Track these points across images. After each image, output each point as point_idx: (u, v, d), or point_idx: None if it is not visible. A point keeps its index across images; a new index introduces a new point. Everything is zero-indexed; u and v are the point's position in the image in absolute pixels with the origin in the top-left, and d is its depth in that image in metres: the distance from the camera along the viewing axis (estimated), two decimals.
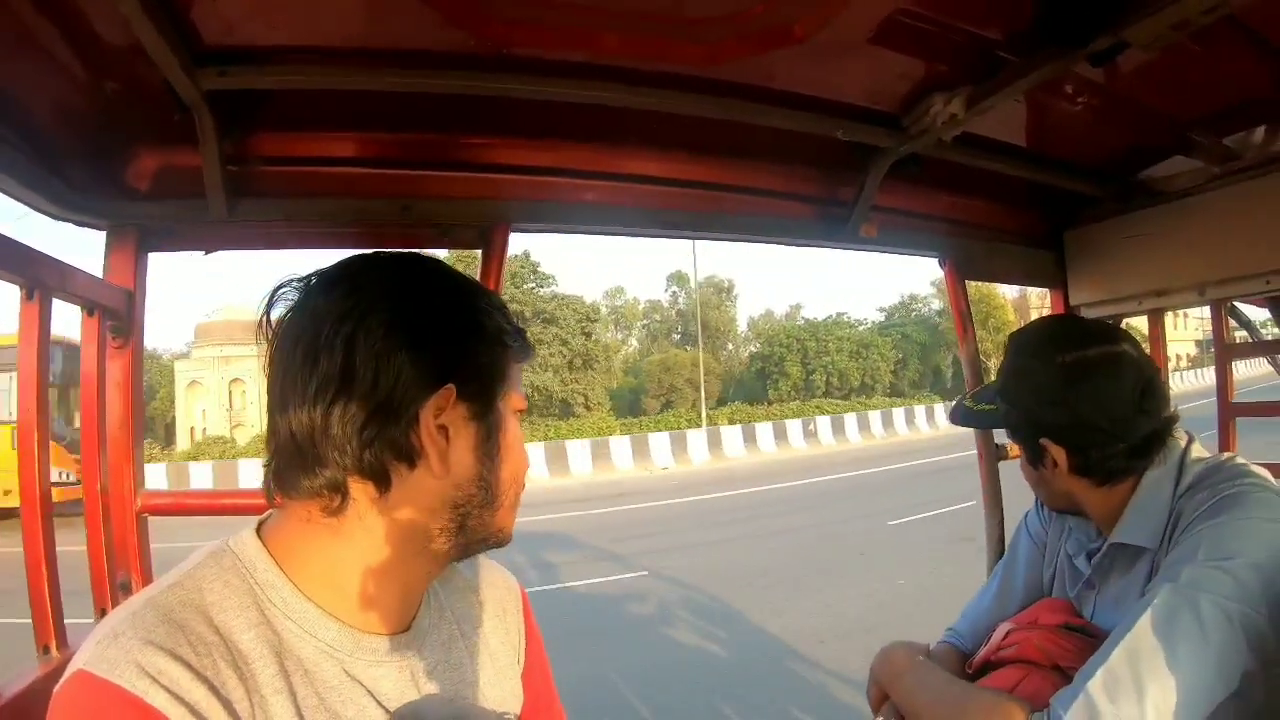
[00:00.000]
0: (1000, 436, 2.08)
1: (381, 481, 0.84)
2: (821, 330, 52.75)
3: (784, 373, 50.10)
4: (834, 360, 50.03)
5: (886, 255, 2.07)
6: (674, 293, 60.40)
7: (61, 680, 0.72)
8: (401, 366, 0.83)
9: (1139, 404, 1.34)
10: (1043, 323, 1.66)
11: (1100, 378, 1.34)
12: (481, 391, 0.88)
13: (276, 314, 0.87)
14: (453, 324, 0.88)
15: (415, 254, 0.94)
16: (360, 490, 0.84)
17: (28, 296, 1.27)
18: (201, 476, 22.85)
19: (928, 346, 54.90)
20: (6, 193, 1.25)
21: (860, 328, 54.92)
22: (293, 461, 0.84)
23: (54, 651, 1.31)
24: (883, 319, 58.64)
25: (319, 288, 0.87)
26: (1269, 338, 2.65)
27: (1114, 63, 1.29)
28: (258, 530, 0.89)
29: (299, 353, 0.83)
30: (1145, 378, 1.36)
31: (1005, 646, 1.43)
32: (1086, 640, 1.34)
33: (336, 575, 0.86)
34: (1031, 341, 1.47)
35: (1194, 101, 1.63)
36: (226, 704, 0.74)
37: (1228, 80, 1.52)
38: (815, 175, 1.86)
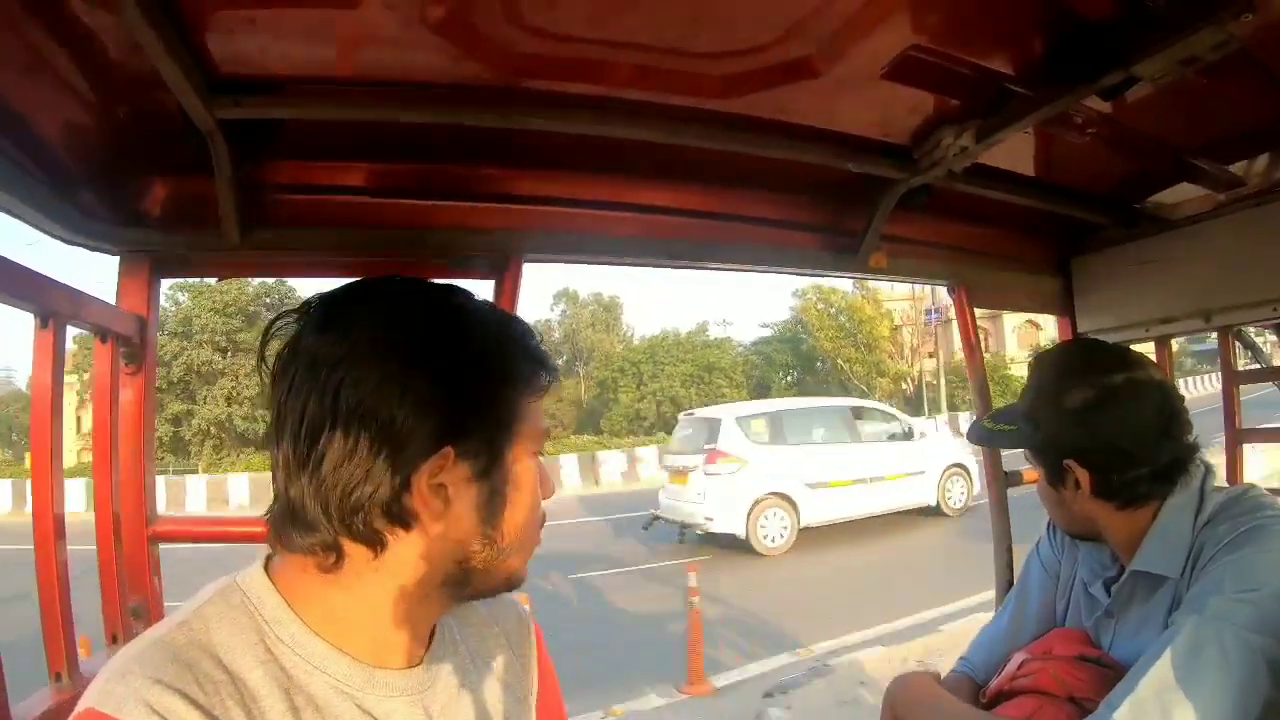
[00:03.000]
0: (1009, 463, 2.09)
1: (374, 544, 0.82)
2: (660, 351, 45.73)
3: (617, 400, 43.91)
4: (664, 386, 43.12)
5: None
6: (563, 311, 52.97)
7: (70, 717, 0.72)
8: (393, 428, 0.79)
9: (1164, 429, 1.36)
10: (1069, 346, 1.68)
11: (1128, 401, 1.36)
12: (485, 447, 0.84)
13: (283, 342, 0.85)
14: (454, 375, 0.83)
15: (420, 285, 0.90)
16: (355, 550, 0.82)
17: (41, 325, 1.27)
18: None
19: (797, 370, 49.06)
20: (21, 218, 1.25)
21: (709, 347, 47.16)
22: (286, 518, 0.82)
23: (65, 679, 1.31)
24: (769, 334, 51.79)
25: (313, 322, 0.84)
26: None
27: (1124, 95, 1.30)
28: (266, 565, 0.88)
29: (289, 399, 0.81)
30: (1170, 403, 1.39)
31: (1020, 676, 1.43)
32: (1102, 672, 1.35)
33: (341, 618, 0.85)
34: (1058, 364, 1.49)
35: (1199, 130, 1.65)
36: None
37: (1232, 109, 1.54)
38: (825, 206, 1.87)
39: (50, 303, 1.27)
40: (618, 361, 47.05)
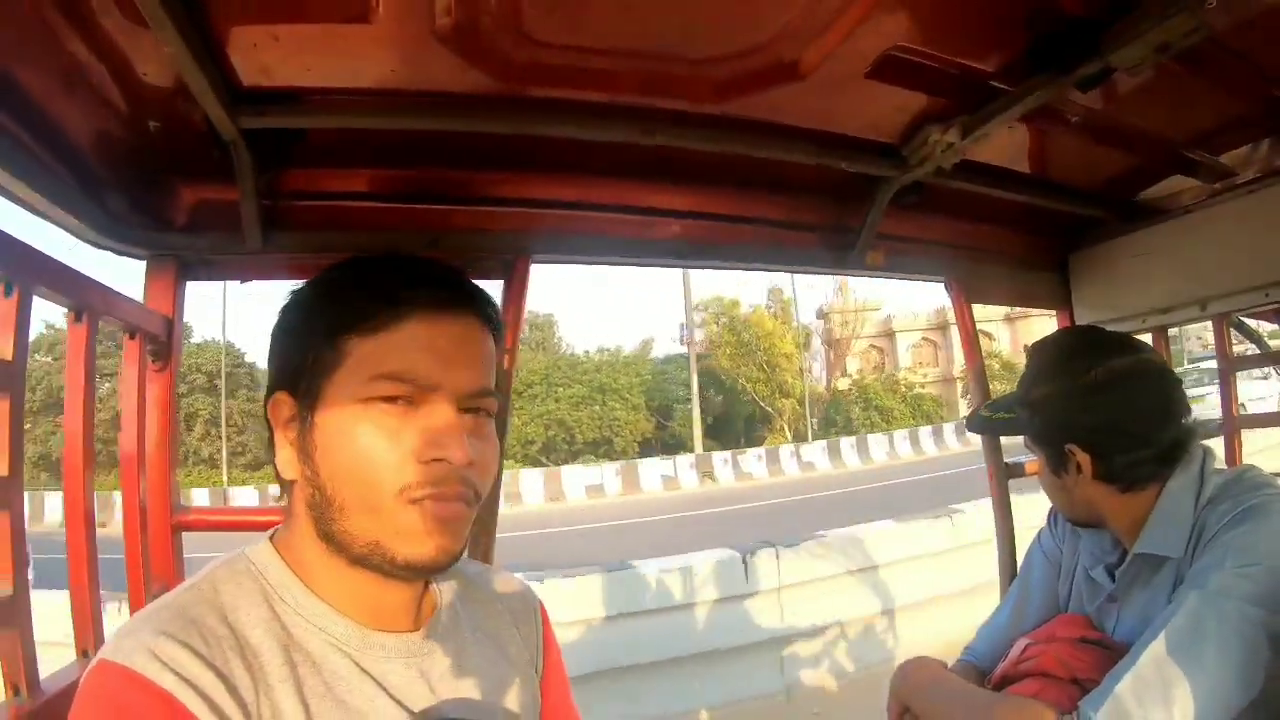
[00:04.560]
0: (1010, 454, 2.11)
1: (284, 487, 0.94)
2: (555, 372, 42.51)
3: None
4: (553, 409, 40.09)
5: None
6: None
7: (86, 669, 0.79)
8: (269, 383, 0.94)
9: (1164, 411, 1.40)
10: (1067, 333, 1.71)
11: (1128, 385, 1.40)
12: (308, 390, 0.89)
13: None
14: (285, 330, 0.94)
15: (328, 269, 0.98)
16: (286, 492, 0.95)
17: (75, 319, 1.34)
18: None
19: (709, 388, 44.83)
20: (55, 221, 1.32)
21: (607, 366, 43.96)
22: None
23: (92, 655, 1.36)
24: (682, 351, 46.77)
25: None
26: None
27: (1105, 87, 1.34)
28: (272, 538, 0.96)
29: None
30: (1169, 386, 1.43)
31: (1023, 660, 1.47)
32: (1104, 653, 1.38)
33: (324, 574, 0.91)
34: (1057, 350, 1.53)
35: (1188, 121, 1.68)
36: (233, 690, 0.80)
37: (1219, 100, 1.57)
38: (822, 205, 1.91)
39: (85, 298, 1.33)
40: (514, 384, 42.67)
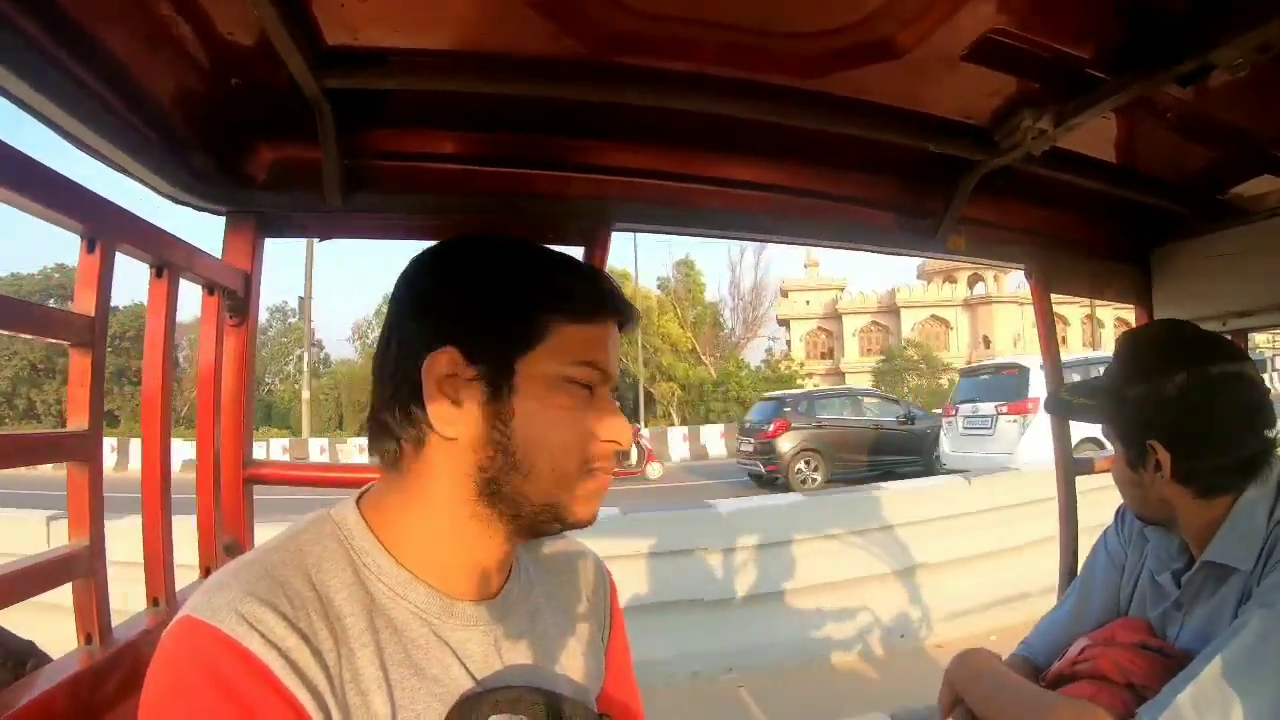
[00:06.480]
0: (1077, 449, 2.07)
1: (414, 443, 0.91)
2: None
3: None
4: None
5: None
6: None
7: (170, 624, 0.80)
8: (407, 332, 0.93)
9: (1252, 421, 1.37)
10: (1164, 327, 1.67)
11: (1222, 389, 1.37)
12: (495, 354, 0.90)
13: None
14: (467, 290, 0.93)
15: (484, 238, 1.00)
16: (407, 449, 0.92)
17: (157, 275, 1.36)
18: None
19: None
20: (138, 178, 1.34)
21: None
22: (372, 427, 0.96)
23: (163, 604, 1.41)
24: None
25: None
26: None
27: (1202, 83, 1.29)
28: (358, 502, 0.96)
29: None
30: (1261, 397, 1.39)
31: (1080, 661, 1.45)
32: (1162, 660, 1.35)
33: (416, 544, 0.92)
34: (1154, 344, 1.50)
35: None
36: (316, 653, 0.80)
37: None
38: (905, 185, 1.88)
39: (166, 254, 1.35)
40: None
